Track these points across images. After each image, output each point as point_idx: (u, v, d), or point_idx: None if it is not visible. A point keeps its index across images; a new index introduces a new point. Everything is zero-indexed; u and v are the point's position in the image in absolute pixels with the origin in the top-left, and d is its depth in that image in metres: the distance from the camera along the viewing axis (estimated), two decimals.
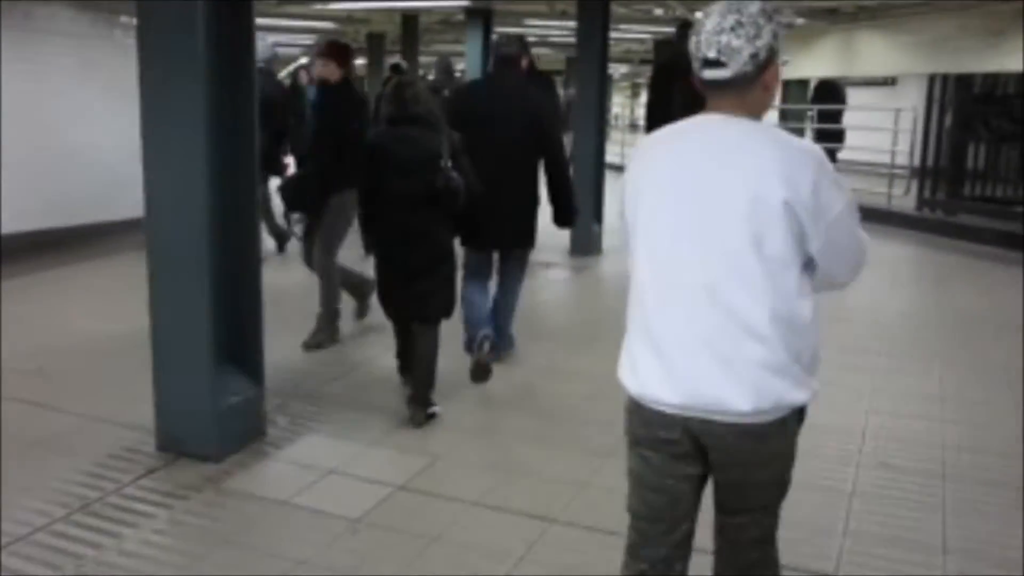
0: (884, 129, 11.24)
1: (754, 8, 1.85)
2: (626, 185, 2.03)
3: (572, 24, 9.03)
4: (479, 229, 4.49)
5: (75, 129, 7.76)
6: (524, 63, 4.74)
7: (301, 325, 5.55)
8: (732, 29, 1.83)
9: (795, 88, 13.64)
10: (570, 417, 4.25)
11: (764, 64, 1.85)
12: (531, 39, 15.71)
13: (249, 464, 3.66)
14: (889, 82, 14.88)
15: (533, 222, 4.79)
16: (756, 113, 1.93)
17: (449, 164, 4.01)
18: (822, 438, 3.83)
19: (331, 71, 5.09)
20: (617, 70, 27.41)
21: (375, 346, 5.27)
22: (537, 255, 8.01)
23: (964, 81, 10.23)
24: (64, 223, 7.79)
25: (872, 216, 10.47)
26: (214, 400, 3.66)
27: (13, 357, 4.82)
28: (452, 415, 4.24)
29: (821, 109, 12.14)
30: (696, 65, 1.90)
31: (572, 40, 9.99)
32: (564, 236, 8.34)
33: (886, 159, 10.98)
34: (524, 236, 4.80)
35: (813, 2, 10.40)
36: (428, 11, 12.23)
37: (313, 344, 5.23)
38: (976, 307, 6.60)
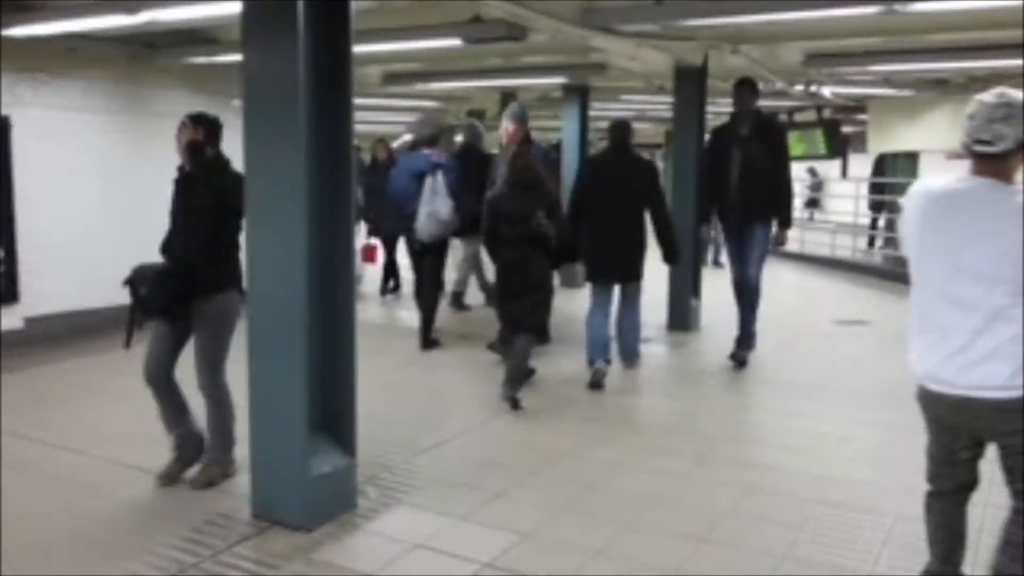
0: None
1: (1018, 101, 2.57)
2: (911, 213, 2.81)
3: (670, 99, 9.07)
4: (601, 266, 6.21)
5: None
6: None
7: (394, 395, 5.66)
8: (1004, 119, 2.57)
9: (903, 161, 13.28)
10: (658, 501, 4.14)
11: (1022, 143, 2.58)
12: (629, 114, 15.92)
13: (339, 535, 3.70)
14: None
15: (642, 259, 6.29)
16: (1009, 177, 2.63)
17: (543, 215, 5.57)
18: None
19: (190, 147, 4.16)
20: None
21: (466, 419, 5.29)
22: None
23: None
24: None
25: None
26: (307, 469, 3.74)
27: (118, 421, 5.03)
28: (544, 492, 4.21)
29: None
30: (969, 140, 2.63)
31: (669, 114, 10.02)
32: (661, 311, 8.28)
33: None
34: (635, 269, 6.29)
35: (922, 73, 10.17)
36: (526, 88, 12.49)
37: (203, 482, 4.21)
38: None
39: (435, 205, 6.92)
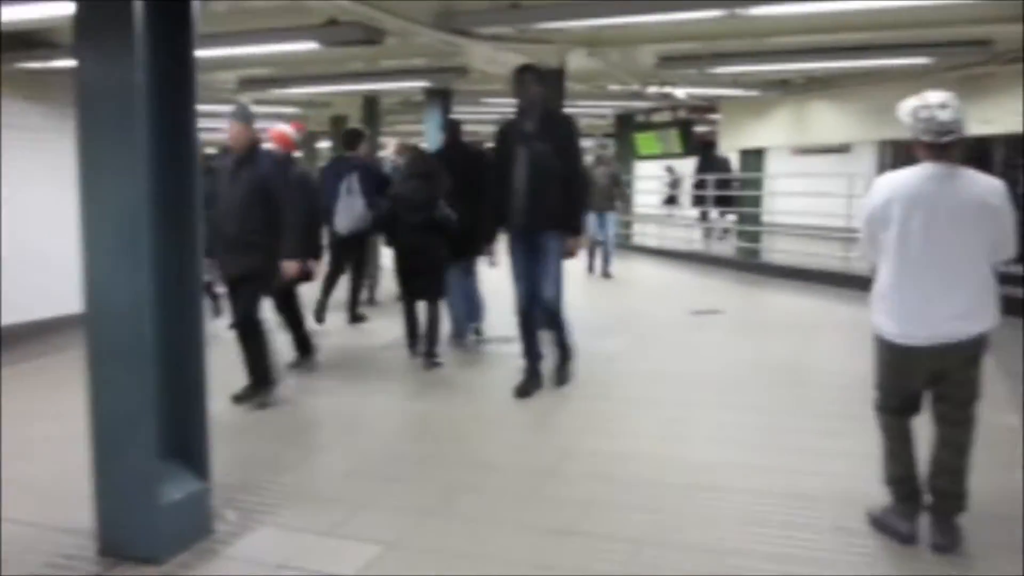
0: (839, 195, 11.44)
1: (955, 100, 3.25)
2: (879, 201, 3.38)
3: None
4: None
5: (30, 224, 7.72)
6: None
7: (251, 413, 5.47)
8: (956, 112, 3.21)
9: (752, 158, 13.88)
10: (525, 498, 4.16)
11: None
12: (494, 117, 15.99)
13: (193, 564, 3.52)
14: (843, 149, 15.24)
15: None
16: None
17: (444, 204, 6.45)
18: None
19: None
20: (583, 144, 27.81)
21: (331, 432, 5.17)
22: (493, 330, 7.98)
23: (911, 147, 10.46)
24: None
25: (830, 279, 10.59)
26: (155, 497, 3.53)
27: None
28: (405, 497, 4.15)
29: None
30: (931, 136, 3.21)
31: None
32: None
33: (841, 223, 11.16)
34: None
35: (766, 74, 10.66)
36: (388, 93, 12.37)
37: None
38: None
39: (350, 202, 8.03)
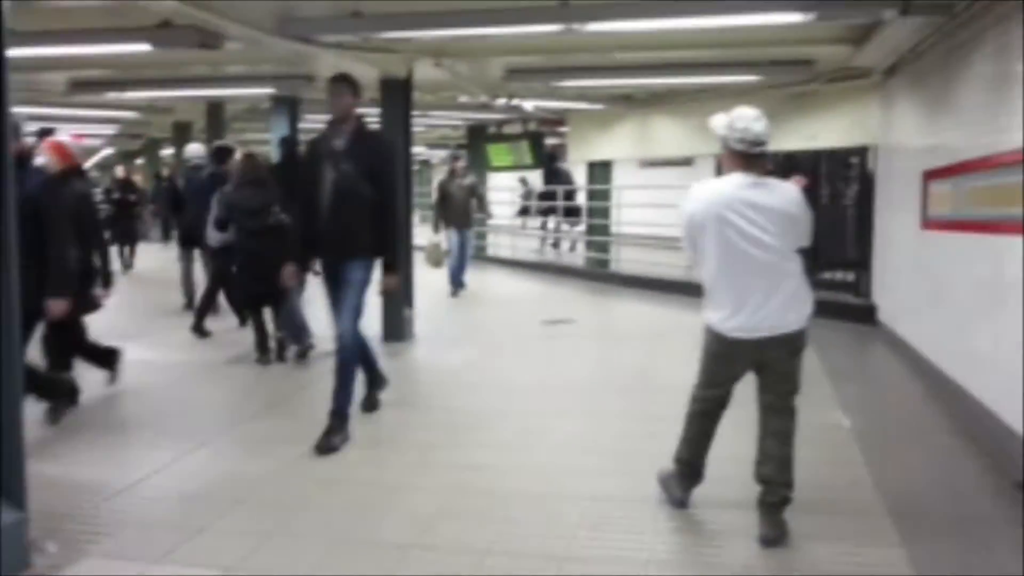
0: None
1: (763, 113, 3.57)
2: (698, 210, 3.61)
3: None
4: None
5: None
6: None
7: (79, 432, 5.16)
8: (766, 126, 3.54)
9: (599, 170, 14.26)
10: (369, 514, 4.10)
11: None
12: None
13: None
14: (686, 162, 15.89)
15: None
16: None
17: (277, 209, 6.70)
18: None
19: None
20: (435, 155, 27.87)
21: (165, 453, 4.94)
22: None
23: None
24: None
25: (675, 288, 10.99)
26: None
27: None
28: (249, 521, 4.01)
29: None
30: (745, 146, 3.50)
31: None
32: (374, 323, 8.27)
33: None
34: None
35: (610, 89, 11.00)
36: (234, 99, 12.01)
37: None
38: None
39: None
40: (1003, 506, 4.05)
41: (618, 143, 13.11)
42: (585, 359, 7.57)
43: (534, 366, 7.31)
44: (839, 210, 10.14)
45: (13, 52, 3.13)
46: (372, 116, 10.10)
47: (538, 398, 6.18)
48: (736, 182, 3.54)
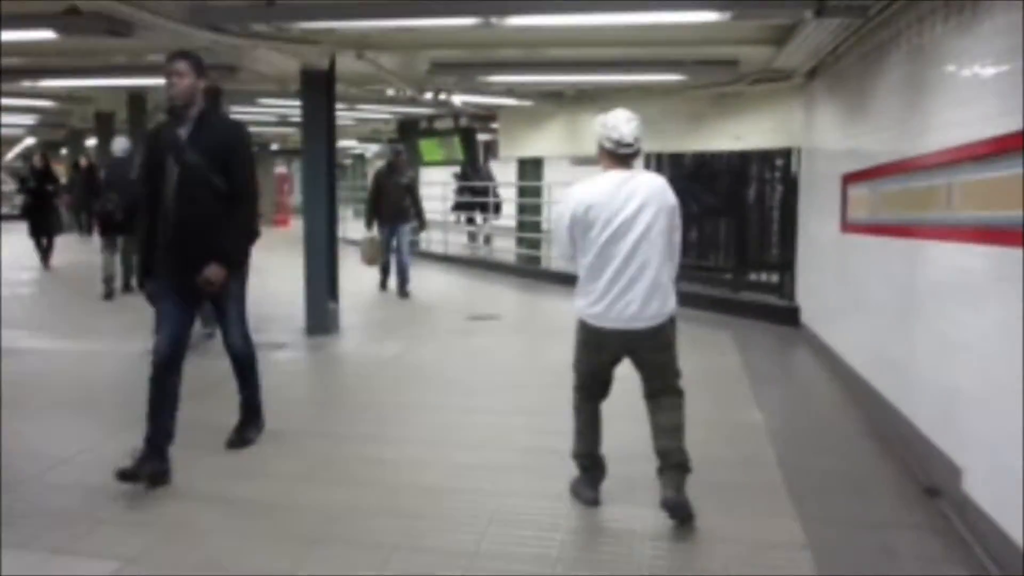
0: None
1: (636, 116, 3.81)
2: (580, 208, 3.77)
3: None
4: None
5: None
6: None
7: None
8: (638, 128, 3.78)
9: (529, 167, 14.30)
10: (275, 509, 4.03)
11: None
12: (272, 119, 15.56)
13: None
14: None
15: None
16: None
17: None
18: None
19: None
20: (368, 149, 27.66)
21: (81, 438, 4.79)
22: (267, 335, 7.78)
23: (677, 159, 11.18)
24: None
25: None
26: None
27: None
28: (154, 513, 3.92)
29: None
30: (612, 146, 3.77)
31: None
32: (299, 315, 8.17)
33: None
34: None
35: (539, 85, 11.02)
36: (155, 90, 11.70)
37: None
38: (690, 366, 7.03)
39: None
40: (906, 509, 4.10)
41: (548, 140, 13.15)
42: (507, 354, 7.57)
43: (457, 361, 7.29)
44: (765, 212, 10.34)
45: None
46: (294, 108, 9.97)
47: (459, 392, 6.16)
48: (608, 179, 3.78)
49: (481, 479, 4.38)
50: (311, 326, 8.07)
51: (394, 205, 10.87)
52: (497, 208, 16.29)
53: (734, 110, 9.88)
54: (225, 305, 4.59)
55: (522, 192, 14.66)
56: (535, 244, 13.89)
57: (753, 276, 10.21)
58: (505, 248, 14.86)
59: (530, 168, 14.31)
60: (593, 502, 4.02)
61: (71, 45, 7.87)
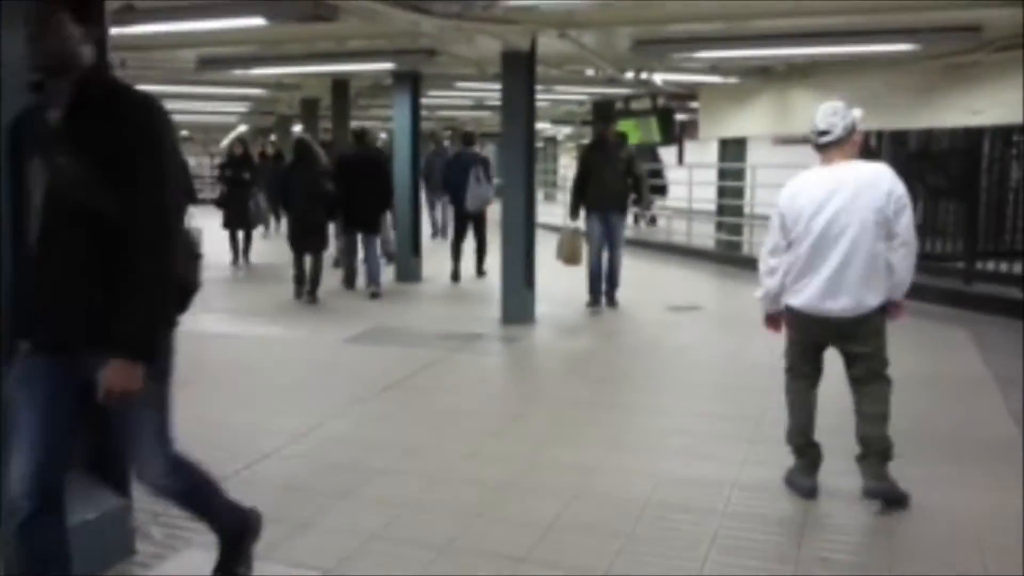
0: None
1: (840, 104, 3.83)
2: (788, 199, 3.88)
3: None
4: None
5: None
6: None
7: (198, 409, 5.09)
8: (833, 115, 3.79)
9: (731, 148, 13.56)
10: (478, 518, 3.82)
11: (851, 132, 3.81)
12: (468, 102, 15.63)
13: None
14: None
15: None
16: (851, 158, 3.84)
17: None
18: None
19: None
20: (560, 131, 27.51)
21: (276, 437, 4.82)
22: (460, 325, 7.69)
23: (899, 138, 10.20)
24: None
25: None
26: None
27: None
28: (353, 518, 3.81)
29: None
30: (812, 135, 3.83)
31: None
32: (494, 304, 8.03)
33: None
34: None
35: (745, 60, 10.33)
36: (358, 76, 11.97)
37: None
38: (924, 369, 6.32)
39: (478, 188, 10.50)
40: None
41: (753, 119, 12.35)
42: (712, 350, 7.09)
43: (658, 356, 6.90)
44: (1002, 194, 9.25)
45: (141, 29, 2.98)
46: (490, 91, 9.83)
47: (661, 393, 5.79)
48: (817, 170, 3.87)
49: (693, 495, 3.99)
50: (507, 315, 7.90)
51: (607, 189, 8.52)
52: (663, 191, 16.57)
53: (970, 81, 8.83)
54: (131, 424, 2.68)
55: (723, 174, 13.93)
56: (736, 230, 13.16)
57: (991, 266, 9.15)
58: (701, 233, 14.16)
59: (732, 149, 13.57)
60: (810, 492, 3.92)
61: (277, 33, 8.06)
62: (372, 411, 5.41)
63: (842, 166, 3.78)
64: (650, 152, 16.88)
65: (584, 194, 8.50)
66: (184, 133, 26.57)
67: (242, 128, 25.14)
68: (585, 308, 8.62)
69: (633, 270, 12.66)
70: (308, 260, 9.12)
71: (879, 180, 3.72)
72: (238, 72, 10.42)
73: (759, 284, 4.05)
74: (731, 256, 12.66)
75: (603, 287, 8.73)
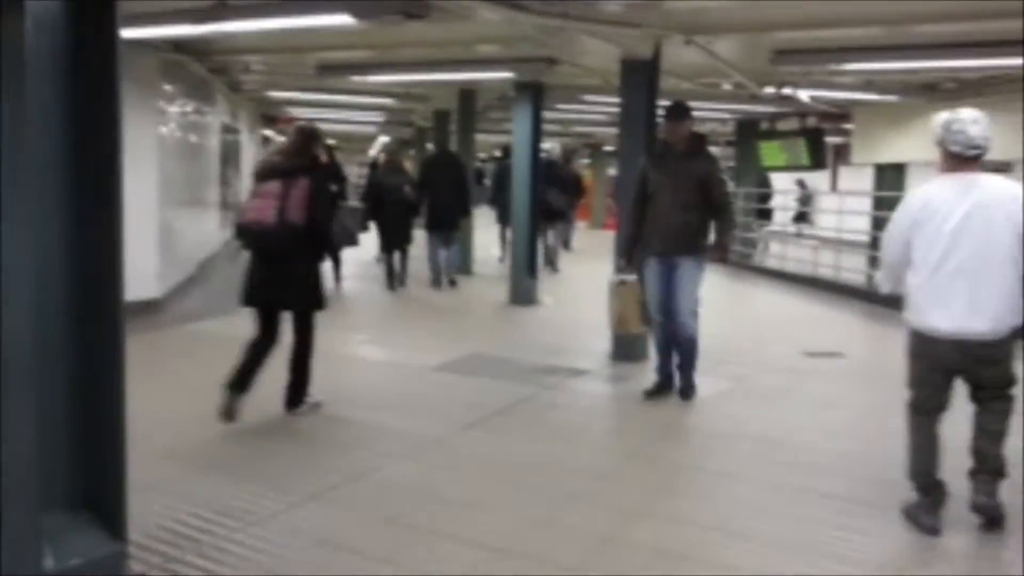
0: None
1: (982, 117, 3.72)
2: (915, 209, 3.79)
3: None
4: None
5: None
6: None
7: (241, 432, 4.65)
8: (985, 127, 3.69)
9: (889, 174, 12.27)
10: None
11: None
12: (603, 118, 14.95)
13: None
14: (1000, 168, 13.38)
15: None
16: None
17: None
18: None
19: None
20: None
21: (327, 473, 4.28)
22: (566, 358, 7.00)
23: None
24: None
25: None
26: (39, 564, 2.70)
27: None
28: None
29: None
30: (959, 148, 3.66)
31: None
32: (607, 336, 7.21)
33: None
34: None
35: (906, 76, 9.19)
36: (483, 87, 11.55)
37: None
38: None
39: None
40: None
41: (915, 142, 11.06)
42: (854, 412, 5.94)
43: (784, 413, 5.86)
44: None
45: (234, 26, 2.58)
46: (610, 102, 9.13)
47: (782, 463, 4.80)
48: (949, 181, 3.69)
49: None
50: (617, 351, 7.12)
51: (667, 220, 5.78)
52: (768, 215, 16.33)
53: None
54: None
55: (878, 203, 12.63)
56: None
57: None
58: (852, 267, 12.87)
59: (890, 175, 12.27)
60: (933, 531, 3.74)
61: (390, 38, 7.67)
62: (443, 454, 4.80)
63: (978, 177, 3.69)
64: (759, 176, 15.80)
65: (639, 228, 5.97)
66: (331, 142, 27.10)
67: (384, 139, 25.42)
68: (642, 397, 6.02)
69: (770, 305, 11.69)
70: (396, 256, 10.80)
71: (1017, 194, 3.64)
72: (366, 80, 10.17)
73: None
74: (883, 294, 11.38)
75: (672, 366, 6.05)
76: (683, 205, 5.66)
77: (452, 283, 11.12)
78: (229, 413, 4.85)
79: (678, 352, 5.94)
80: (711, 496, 4.31)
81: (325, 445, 4.92)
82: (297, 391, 5.22)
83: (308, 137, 5.06)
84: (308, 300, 5.08)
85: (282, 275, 4.91)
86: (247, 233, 4.95)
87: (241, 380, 4.88)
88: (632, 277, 6.04)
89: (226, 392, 4.87)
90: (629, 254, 6.02)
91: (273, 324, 5.04)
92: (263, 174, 5.01)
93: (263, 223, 4.81)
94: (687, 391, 5.94)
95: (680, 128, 5.75)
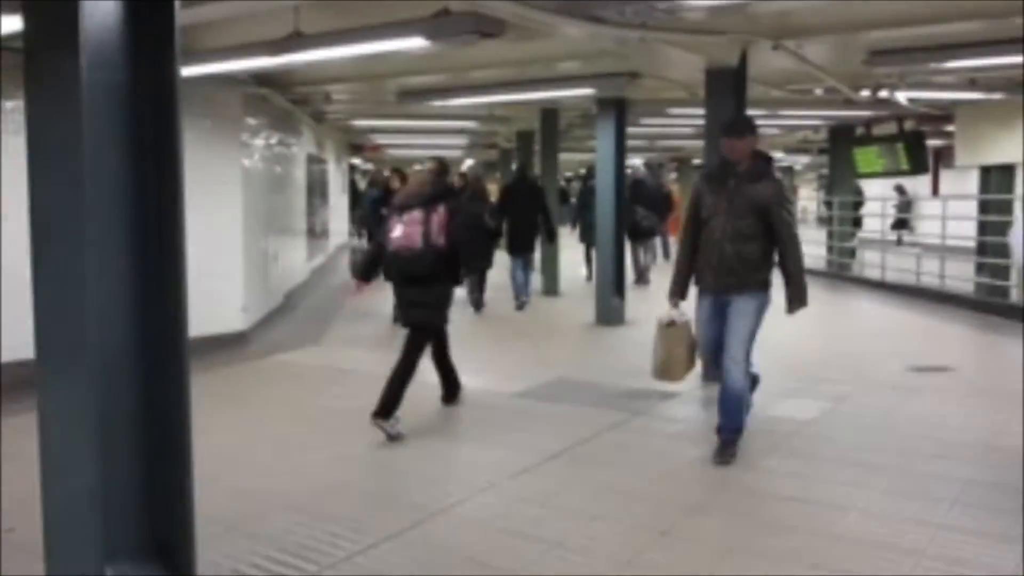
0: None
1: None
2: None
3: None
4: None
5: None
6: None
7: (326, 468, 4.54)
8: None
9: (997, 175, 11.57)
10: None
11: None
12: (686, 130, 14.60)
13: None
14: None
15: None
16: None
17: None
18: None
19: None
20: (798, 161, 25.66)
21: (383, 522, 4.13)
22: (652, 381, 6.71)
23: None
24: None
25: None
26: None
27: None
28: None
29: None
30: None
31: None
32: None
33: None
34: None
35: (1012, 72, 8.61)
36: (565, 105, 11.40)
37: None
38: None
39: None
40: None
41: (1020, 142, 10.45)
42: (968, 433, 5.51)
43: (888, 433, 5.49)
44: None
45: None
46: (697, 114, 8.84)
47: (886, 487, 4.49)
48: None
49: None
50: (707, 371, 6.79)
51: (720, 249, 4.98)
52: (858, 223, 16.10)
53: None
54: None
55: (984, 207, 11.94)
56: (1001, 272, 11.10)
57: None
58: (959, 275, 12.16)
59: (997, 177, 11.57)
60: None
61: (466, 59, 7.59)
62: (523, 488, 4.60)
63: None
64: (851, 184, 15.48)
65: (691, 259, 5.17)
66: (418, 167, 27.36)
67: (469, 162, 25.52)
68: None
69: (870, 317, 11.13)
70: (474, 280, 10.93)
71: None
72: (447, 104, 10.13)
73: None
74: (994, 304, 10.70)
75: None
76: (739, 234, 4.88)
77: (522, 306, 11.38)
78: (394, 437, 5.30)
79: (719, 401, 5.06)
80: (805, 528, 3.99)
81: (404, 479, 4.80)
82: (451, 391, 6.19)
83: (442, 168, 5.82)
84: (438, 318, 5.68)
85: (424, 294, 5.50)
86: (398, 258, 5.46)
87: (388, 405, 5.32)
88: (684, 317, 5.35)
89: (375, 420, 5.28)
90: (680, 290, 5.22)
91: (420, 341, 5.60)
92: (405, 205, 5.56)
93: (412, 248, 5.39)
94: (726, 453, 4.95)
95: (741, 145, 4.92)
